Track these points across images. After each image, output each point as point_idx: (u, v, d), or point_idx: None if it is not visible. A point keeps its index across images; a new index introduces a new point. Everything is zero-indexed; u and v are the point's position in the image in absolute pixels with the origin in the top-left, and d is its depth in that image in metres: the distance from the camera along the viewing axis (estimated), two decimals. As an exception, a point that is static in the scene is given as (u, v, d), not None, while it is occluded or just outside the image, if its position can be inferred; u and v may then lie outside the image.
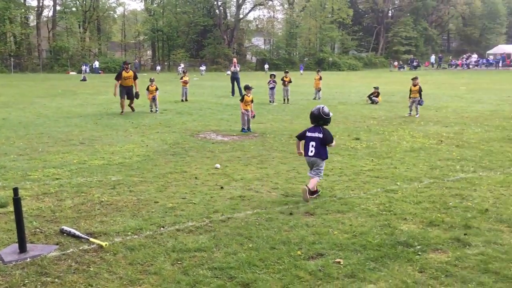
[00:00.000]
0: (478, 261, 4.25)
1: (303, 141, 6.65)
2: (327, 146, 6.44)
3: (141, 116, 15.77)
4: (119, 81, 16.15)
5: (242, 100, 12.61)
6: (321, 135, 6.38)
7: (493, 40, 76.76)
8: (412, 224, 5.29)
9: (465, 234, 4.89)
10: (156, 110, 16.90)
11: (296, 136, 6.90)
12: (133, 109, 16.57)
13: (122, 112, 16.26)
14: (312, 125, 6.54)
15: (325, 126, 6.50)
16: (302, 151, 6.66)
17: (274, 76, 20.60)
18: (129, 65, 17.05)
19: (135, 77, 16.45)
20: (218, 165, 8.29)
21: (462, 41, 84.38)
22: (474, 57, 62.52)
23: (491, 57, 60.04)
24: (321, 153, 6.39)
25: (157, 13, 69.83)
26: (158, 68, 61.93)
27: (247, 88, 12.82)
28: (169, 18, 69.34)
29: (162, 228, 5.17)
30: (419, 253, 4.46)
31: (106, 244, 4.68)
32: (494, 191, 6.53)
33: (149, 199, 6.31)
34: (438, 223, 5.26)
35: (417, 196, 6.32)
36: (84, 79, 39.67)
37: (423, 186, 6.85)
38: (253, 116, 12.69)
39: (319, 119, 6.44)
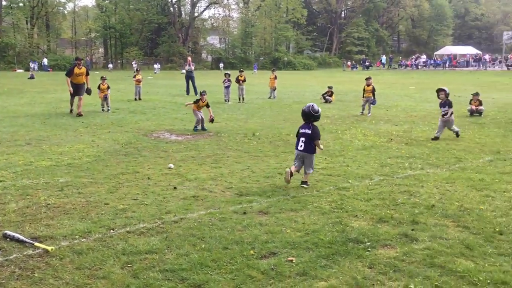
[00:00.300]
0: (425, 256, 4.39)
1: None
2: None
3: (92, 115, 15.33)
4: (70, 78, 15.29)
5: (196, 102, 12.38)
6: (309, 132, 6.86)
7: (440, 42, 79.73)
8: (363, 221, 5.40)
9: (412, 230, 5.05)
10: (108, 109, 16.47)
11: (296, 135, 7.24)
12: (80, 114, 14.95)
13: (71, 111, 15.60)
14: (304, 122, 7.03)
15: (315, 123, 6.99)
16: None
17: (229, 75, 20.56)
18: (82, 61, 16.13)
19: (86, 73, 15.65)
20: (171, 165, 8.17)
21: (411, 42, 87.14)
22: (423, 57, 64.72)
23: (438, 58, 62.29)
24: (309, 148, 6.84)
25: (109, 10, 67.98)
26: (110, 66, 60.41)
27: (202, 93, 12.52)
28: (122, 15, 67.71)
29: (112, 231, 5.04)
30: (369, 249, 4.56)
31: (52, 249, 4.51)
32: (440, 187, 6.77)
33: (99, 201, 6.13)
34: (387, 220, 5.40)
35: (368, 193, 6.46)
36: (32, 77, 38.17)
37: (373, 184, 7.01)
38: (212, 120, 12.51)
39: (310, 116, 6.94)
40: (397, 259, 4.33)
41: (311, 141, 6.84)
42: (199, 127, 12.27)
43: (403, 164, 8.29)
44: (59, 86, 28.48)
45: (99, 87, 16.57)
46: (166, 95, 23.36)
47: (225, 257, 4.38)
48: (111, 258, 4.36)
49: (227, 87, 20.12)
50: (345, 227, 5.15)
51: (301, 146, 6.89)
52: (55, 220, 5.37)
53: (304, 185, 6.85)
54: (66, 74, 15.57)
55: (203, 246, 4.63)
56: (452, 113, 10.84)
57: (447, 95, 11.02)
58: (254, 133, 11.70)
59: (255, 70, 54.71)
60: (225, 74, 20.82)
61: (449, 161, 8.55)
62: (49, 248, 4.52)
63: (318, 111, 6.94)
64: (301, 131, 7.02)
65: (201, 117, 12.26)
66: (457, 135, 11.02)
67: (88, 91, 15.70)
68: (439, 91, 11.13)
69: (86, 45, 70.99)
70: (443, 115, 10.92)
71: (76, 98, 15.50)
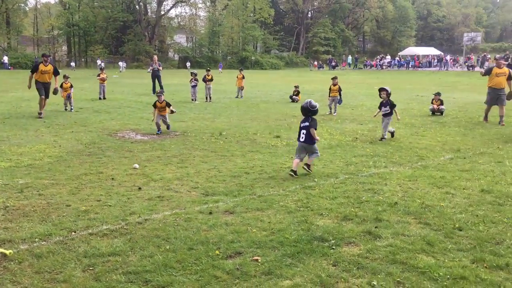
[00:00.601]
0: (387, 253, 4.47)
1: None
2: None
3: (55, 115, 14.93)
4: (34, 75, 14.33)
5: (155, 106, 11.73)
6: (308, 124, 7.62)
7: (404, 42, 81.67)
8: (328, 219, 5.45)
9: (376, 227, 5.13)
10: (71, 109, 16.08)
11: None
12: (40, 115, 14.26)
13: (40, 113, 14.37)
14: (303, 117, 7.74)
15: (314, 116, 7.69)
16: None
17: (196, 74, 20.43)
18: (49, 58, 15.10)
19: (56, 73, 14.68)
20: (136, 165, 8.05)
21: (376, 43, 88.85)
22: (387, 58, 66.09)
23: (402, 59, 63.71)
24: (310, 139, 7.61)
25: (72, 7, 66.32)
26: (73, 64, 58.97)
27: (157, 94, 11.97)
28: (86, 13, 66.26)
29: (73, 233, 4.91)
30: (334, 247, 4.60)
31: (10, 252, 4.36)
32: (403, 185, 6.91)
33: (60, 202, 5.97)
34: (352, 217, 5.48)
35: (333, 192, 6.53)
36: (-9, 75, 36.89)
37: (339, 182, 7.10)
38: (172, 112, 12.14)
39: (308, 111, 7.68)
40: (360, 256, 4.39)
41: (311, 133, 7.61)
42: (160, 131, 11.62)
43: (368, 163, 8.42)
44: (20, 85, 27.60)
45: (61, 86, 16.13)
46: (132, 94, 23.00)
47: (190, 257, 4.34)
48: (72, 261, 4.25)
49: (194, 87, 19.99)
50: (310, 226, 5.18)
51: (302, 137, 7.67)
52: (14, 223, 5.19)
53: (307, 168, 7.54)
54: (31, 71, 14.69)
55: (167, 247, 4.57)
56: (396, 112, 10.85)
57: (388, 94, 10.97)
58: (221, 133, 11.66)
59: (220, 69, 55.09)
60: (191, 73, 20.68)
61: (412, 159, 8.74)
62: (7, 252, 4.36)
63: (315, 106, 7.67)
64: (301, 125, 7.76)
65: (162, 119, 11.73)
66: (392, 135, 10.95)
67: (55, 91, 15.01)
68: (381, 90, 11.09)
69: (49, 43, 69.08)
70: (384, 115, 10.88)
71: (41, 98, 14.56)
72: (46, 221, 5.29)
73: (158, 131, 11.58)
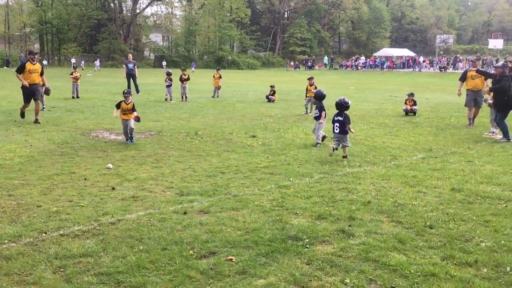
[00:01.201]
0: (360, 251, 4.52)
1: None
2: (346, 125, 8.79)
3: (26, 114, 14.57)
4: (22, 76, 12.76)
5: (118, 106, 10.20)
6: (342, 118, 8.81)
7: (378, 43, 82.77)
8: (302, 218, 5.49)
9: (349, 226, 5.19)
10: (43, 108, 15.74)
11: (332, 122, 9.04)
12: (37, 121, 12.78)
13: (23, 117, 13.13)
14: (337, 111, 8.94)
15: (346, 112, 8.89)
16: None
17: (170, 74, 20.30)
18: (36, 55, 13.54)
19: (41, 73, 13.20)
20: (110, 165, 7.94)
21: (351, 44, 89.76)
22: (362, 59, 66.89)
23: (377, 60, 64.65)
24: (343, 130, 8.79)
25: (45, 4, 64.97)
26: (45, 62, 57.78)
27: (124, 93, 10.33)
28: (59, 10, 64.93)
29: (44, 234, 4.82)
30: (307, 246, 4.64)
31: (-23, 255, 4.25)
32: (376, 184, 7.01)
33: (30, 203, 5.84)
34: (326, 216, 5.52)
35: (308, 191, 6.57)
36: (-41, 73, 35.87)
37: (313, 181, 7.15)
38: (138, 119, 10.24)
39: (341, 106, 8.88)
40: (334, 255, 4.43)
41: (344, 125, 8.75)
42: (129, 140, 10.17)
43: (342, 162, 8.51)
44: (-10, 83, 26.95)
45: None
46: (106, 93, 22.66)
47: (163, 258, 4.30)
48: (43, 262, 4.17)
49: (168, 86, 19.87)
50: (285, 225, 5.21)
51: (336, 129, 8.84)
52: (-18, 225, 5.06)
53: (345, 158, 8.74)
54: (17, 71, 13.09)
55: (141, 248, 4.53)
56: (325, 116, 10.21)
57: (320, 96, 10.39)
58: (196, 132, 11.60)
59: (193, 68, 55.59)
60: (167, 72, 20.56)
61: (385, 159, 8.87)
62: (-26, 254, 4.25)
63: (348, 103, 8.91)
64: (335, 118, 8.93)
65: (128, 125, 10.06)
66: (323, 140, 10.30)
67: (47, 91, 13.90)
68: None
69: (20, 41, 67.52)
70: (315, 118, 10.32)
71: (32, 104, 12.97)
72: (16, 222, 5.17)
73: (127, 140, 10.16)
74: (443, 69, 53.68)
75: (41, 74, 13.21)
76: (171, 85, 19.89)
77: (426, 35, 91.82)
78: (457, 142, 10.74)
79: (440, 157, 9.10)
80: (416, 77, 43.25)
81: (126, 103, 10.12)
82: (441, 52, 72.11)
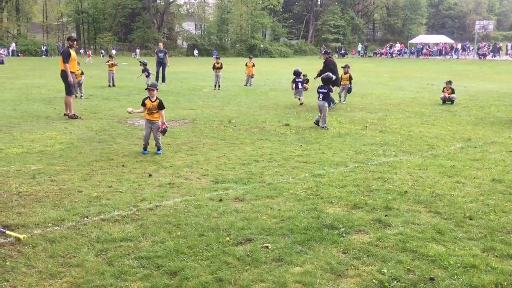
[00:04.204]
0: (397, 241, 4.47)
1: None
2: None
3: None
4: (70, 65, 11.78)
5: (143, 104, 8.14)
6: (325, 91, 10.86)
7: (414, 30, 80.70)
8: (338, 207, 5.46)
9: (386, 215, 5.14)
10: (81, 96, 16.15)
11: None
12: (75, 115, 11.90)
13: (75, 115, 11.89)
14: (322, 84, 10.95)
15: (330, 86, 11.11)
16: None
17: (145, 64, 21.14)
18: (75, 42, 12.33)
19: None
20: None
21: (386, 31, 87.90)
22: (397, 46, 65.45)
23: (412, 48, 63.22)
24: (326, 98, 10.84)
25: (81, -6, 66.32)
26: (82, 51, 59.05)
27: (149, 88, 8.17)
28: (95, 0, 66.20)
29: (85, 218, 4.97)
30: (343, 235, 4.62)
31: (24, 237, 4.42)
32: (412, 174, 6.89)
33: (72, 188, 6.03)
34: (362, 206, 5.48)
35: (343, 180, 6.53)
36: (1, 62, 37.10)
37: (348, 170, 7.09)
38: (163, 131, 8.14)
39: (328, 81, 10.95)
40: (370, 244, 4.40)
41: (326, 96, 10.79)
42: (147, 150, 8.21)
43: (377, 151, 8.40)
44: (30, 72, 27.78)
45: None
46: (141, 82, 23.00)
47: (201, 244, 4.38)
48: (85, 246, 4.31)
49: (147, 76, 20.75)
50: (320, 214, 5.20)
51: (320, 98, 10.68)
52: (27, 208, 5.26)
53: (324, 129, 10.24)
54: (65, 61, 11.76)
55: (178, 233, 4.61)
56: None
57: (328, 79, 11.09)
58: (230, 120, 11.66)
59: (215, 56, 55.65)
60: (141, 63, 21.59)
61: (422, 148, 8.70)
62: (21, 236, 4.43)
63: (331, 78, 11.03)
64: (319, 90, 10.78)
65: (150, 131, 8.15)
66: (317, 124, 11.01)
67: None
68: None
69: (58, 30, 69.19)
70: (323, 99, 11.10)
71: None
72: (59, 206, 5.35)
73: (145, 150, 8.20)
74: (482, 57, 51.97)
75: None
76: (149, 75, 20.77)
77: (464, 21, 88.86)
78: (497, 132, 10.42)
79: (479, 147, 8.85)
80: (454, 65, 42.03)
81: (151, 101, 8.05)
82: (480, 39, 69.74)
